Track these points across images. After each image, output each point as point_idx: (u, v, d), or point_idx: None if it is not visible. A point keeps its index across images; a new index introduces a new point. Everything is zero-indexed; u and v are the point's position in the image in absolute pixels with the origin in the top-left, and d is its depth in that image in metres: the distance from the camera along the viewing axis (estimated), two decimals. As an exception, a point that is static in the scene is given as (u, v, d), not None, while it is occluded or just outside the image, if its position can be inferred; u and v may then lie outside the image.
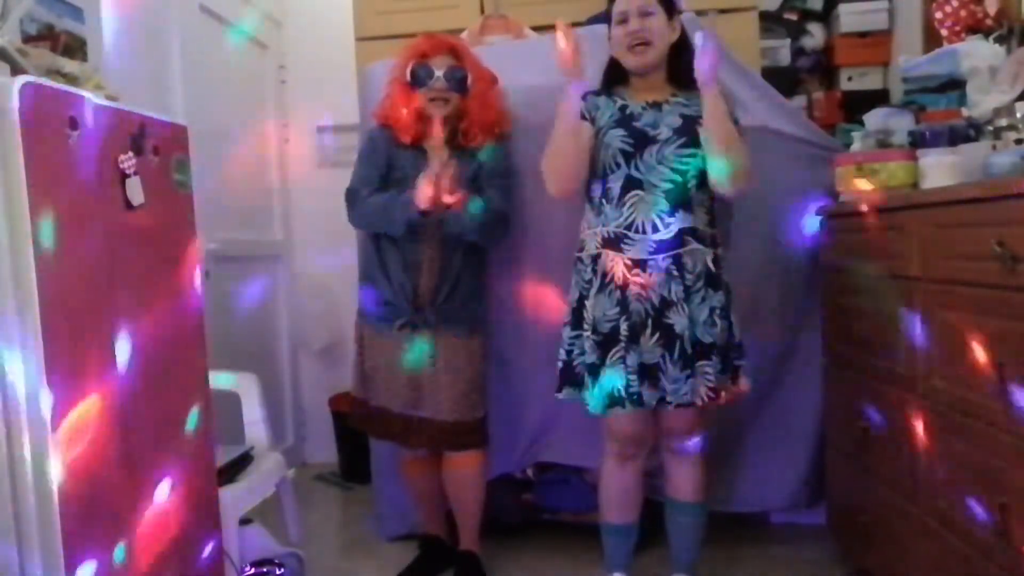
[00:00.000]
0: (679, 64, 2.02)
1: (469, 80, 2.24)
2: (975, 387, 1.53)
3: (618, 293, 1.93)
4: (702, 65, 1.86)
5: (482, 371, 2.31)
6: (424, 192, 2.07)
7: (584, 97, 2.07)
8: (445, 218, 2.16)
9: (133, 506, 1.51)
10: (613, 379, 1.91)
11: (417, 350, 2.24)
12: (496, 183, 2.27)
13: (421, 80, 2.23)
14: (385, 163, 2.27)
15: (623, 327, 1.92)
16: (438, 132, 2.20)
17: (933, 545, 1.71)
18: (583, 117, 2.03)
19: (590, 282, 1.99)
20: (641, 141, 1.96)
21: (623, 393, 1.91)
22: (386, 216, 2.18)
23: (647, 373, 1.91)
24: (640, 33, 1.94)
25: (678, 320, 1.91)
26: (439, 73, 2.21)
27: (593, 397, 1.94)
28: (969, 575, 1.57)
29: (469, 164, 2.25)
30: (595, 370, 1.94)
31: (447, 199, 2.08)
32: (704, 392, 1.91)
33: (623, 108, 2.02)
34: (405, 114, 2.24)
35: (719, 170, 1.91)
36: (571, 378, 2.02)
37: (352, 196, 2.27)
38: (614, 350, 1.92)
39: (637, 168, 1.95)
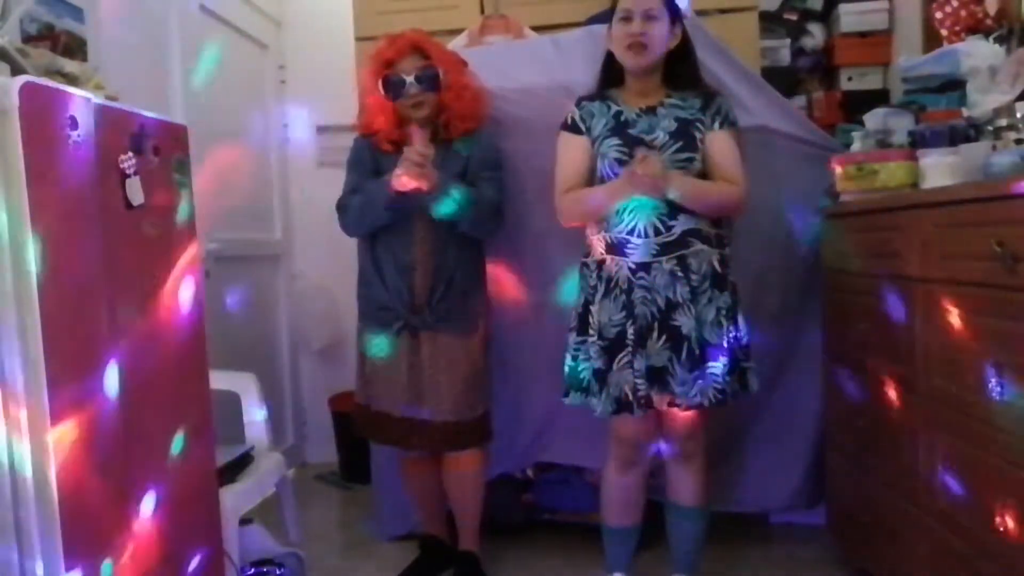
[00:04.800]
0: (676, 67, 2.02)
1: (441, 75, 2.23)
2: (975, 387, 1.53)
3: (623, 297, 1.93)
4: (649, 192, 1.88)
5: (483, 368, 2.31)
6: (401, 174, 2.07)
7: (578, 104, 2.07)
8: (431, 202, 2.14)
9: (132, 503, 1.51)
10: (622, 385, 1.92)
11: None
12: (486, 175, 2.27)
13: (395, 91, 2.23)
14: (372, 171, 2.29)
15: (630, 331, 1.91)
16: (418, 141, 2.14)
17: (933, 545, 1.71)
18: (578, 127, 2.03)
19: (595, 287, 1.98)
20: (637, 148, 1.94)
21: (632, 397, 1.91)
22: (368, 206, 2.19)
23: (655, 376, 1.90)
24: (641, 36, 1.93)
25: (685, 321, 1.90)
26: (410, 79, 2.21)
27: (601, 402, 1.94)
28: (969, 575, 1.57)
29: (456, 158, 2.26)
30: (602, 376, 1.94)
31: (422, 184, 2.07)
32: (712, 394, 1.91)
33: (617, 115, 2.01)
34: (384, 124, 2.26)
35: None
36: (577, 383, 2.01)
37: (341, 206, 2.30)
38: (621, 355, 1.92)
39: None
